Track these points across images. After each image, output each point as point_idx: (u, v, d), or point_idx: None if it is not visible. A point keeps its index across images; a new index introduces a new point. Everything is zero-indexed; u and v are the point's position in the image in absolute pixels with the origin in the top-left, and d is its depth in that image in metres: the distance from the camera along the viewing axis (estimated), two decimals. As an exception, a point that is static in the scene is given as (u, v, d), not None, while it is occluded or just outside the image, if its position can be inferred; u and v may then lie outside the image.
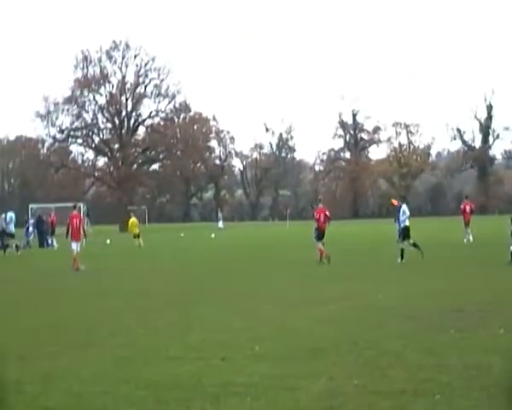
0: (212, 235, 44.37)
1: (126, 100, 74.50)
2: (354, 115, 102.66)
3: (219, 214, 61.21)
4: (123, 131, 74.21)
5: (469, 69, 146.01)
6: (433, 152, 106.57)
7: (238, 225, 72.54)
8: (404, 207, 21.05)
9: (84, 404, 5.90)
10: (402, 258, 19.53)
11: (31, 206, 51.74)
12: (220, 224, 57.41)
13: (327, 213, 21.45)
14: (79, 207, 22.28)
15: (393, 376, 6.37)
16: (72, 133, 75.29)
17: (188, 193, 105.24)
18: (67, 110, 73.39)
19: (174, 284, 16.09)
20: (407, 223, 20.55)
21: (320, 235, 21.04)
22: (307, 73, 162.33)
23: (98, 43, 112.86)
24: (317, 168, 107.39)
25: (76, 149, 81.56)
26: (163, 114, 76.88)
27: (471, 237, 27.74)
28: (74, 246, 20.84)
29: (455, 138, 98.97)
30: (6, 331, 9.78)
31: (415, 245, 20.36)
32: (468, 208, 29.29)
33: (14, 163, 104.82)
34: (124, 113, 74.53)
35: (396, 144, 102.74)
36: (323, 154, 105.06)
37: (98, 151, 77.98)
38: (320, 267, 19.13)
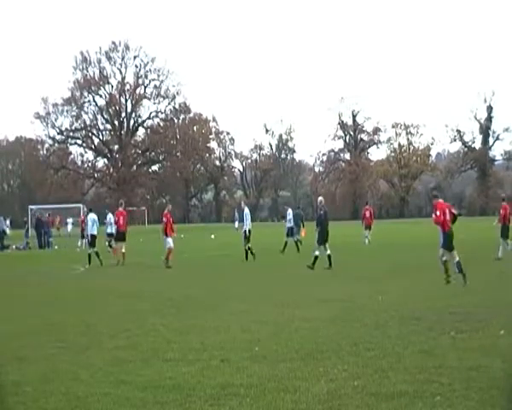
0: (212, 236, 44.39)
1: (126, 101, 74.68)
2: (354, 116, 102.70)
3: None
4: (122, 133, 74.33)
5: (469, 70, 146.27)
6: (433, 153, 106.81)
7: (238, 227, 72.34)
8: (247, 210, 23.05)
9: (83, 406, 5.89)
10: (247, 258, 21.99)
11: (30, 207, 51.77)
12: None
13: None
14: (169, 206, 24.42)
15: (393, 377, 6.36)
16: (71, 134, 75.39)
17: (187, 194, 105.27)
18: (67, 111, 73.75)
19: (173, 285, 16.08)
20: (250, 227, 22.69)
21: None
22: (307, 74, 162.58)
23: (97, 44, 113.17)
24: (316, 169, 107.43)
25: (75, 150, 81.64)
26: (163, 115, 77.08)
27: (367, 241, 30.17)
28: (171, 241, 21.92)
29: (455, 139, 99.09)
30: (5, 332, 9.76)
31: (249, 248, 22.31)
32: (367, 213, 31.74)
33: (14, 164, 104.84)
34: (123, 114, 74.68)
35: (396, 145, 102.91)
36: (323, 155, 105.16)
37: (98, 152, 78.08)
38: (319, 268, 19.07)
